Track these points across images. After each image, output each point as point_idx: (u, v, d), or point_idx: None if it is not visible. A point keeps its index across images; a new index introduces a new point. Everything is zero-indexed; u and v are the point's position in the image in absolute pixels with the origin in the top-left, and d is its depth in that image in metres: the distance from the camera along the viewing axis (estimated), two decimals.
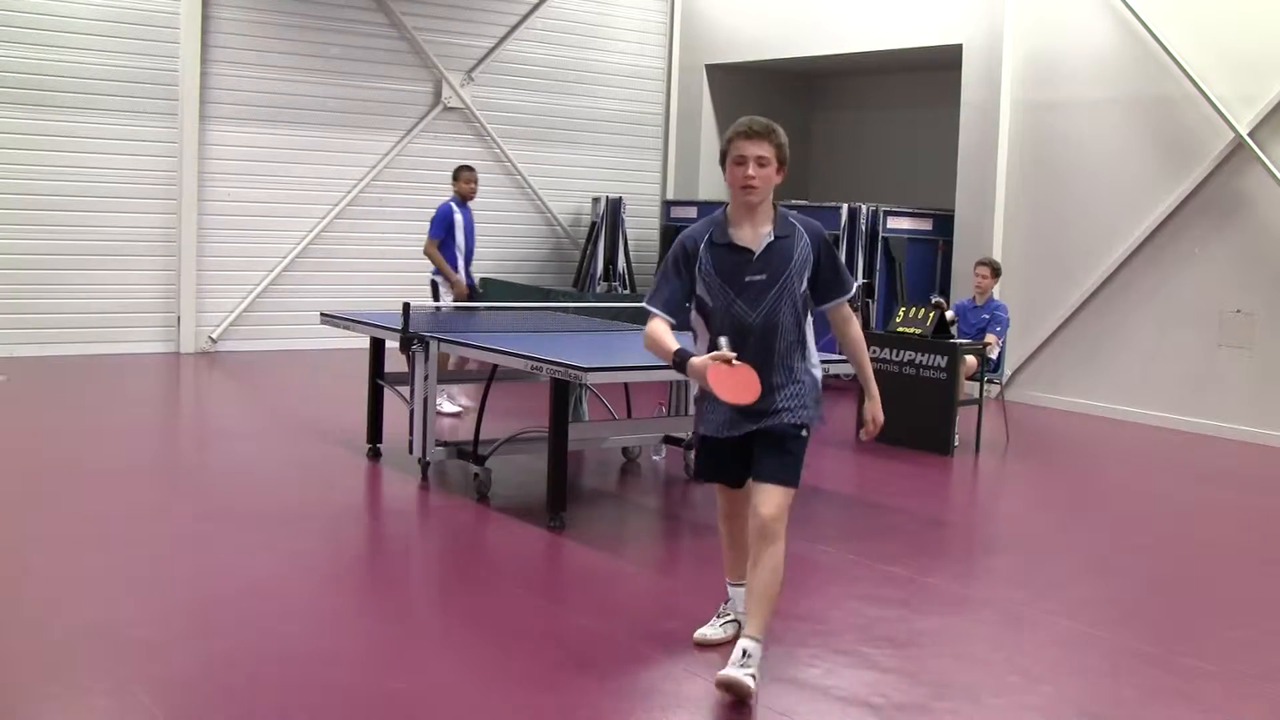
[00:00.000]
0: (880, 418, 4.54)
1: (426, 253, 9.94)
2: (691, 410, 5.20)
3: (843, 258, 12.43)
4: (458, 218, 9.92)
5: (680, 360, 4.12)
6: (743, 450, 4.35)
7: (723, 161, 4.24)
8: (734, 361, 4.01)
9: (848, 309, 4.45)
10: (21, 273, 11.62)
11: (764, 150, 4.14)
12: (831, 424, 9.68)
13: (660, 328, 4.27)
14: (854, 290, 4.41)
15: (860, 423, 4.76)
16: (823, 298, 4.36)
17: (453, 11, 13.86)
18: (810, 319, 4.37)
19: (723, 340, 4.13)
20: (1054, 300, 11.54)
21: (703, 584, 5.45)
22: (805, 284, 4.26)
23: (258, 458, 8.05)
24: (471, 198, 10.08)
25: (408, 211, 13.74)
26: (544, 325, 8.31)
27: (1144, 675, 4.69)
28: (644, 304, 4.37)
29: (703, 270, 4.26)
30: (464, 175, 10.09)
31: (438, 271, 9.91)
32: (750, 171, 4.13)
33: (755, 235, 4.23)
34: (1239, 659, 4.90)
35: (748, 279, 4.21)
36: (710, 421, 4.40)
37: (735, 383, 4.00)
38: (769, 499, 4.21)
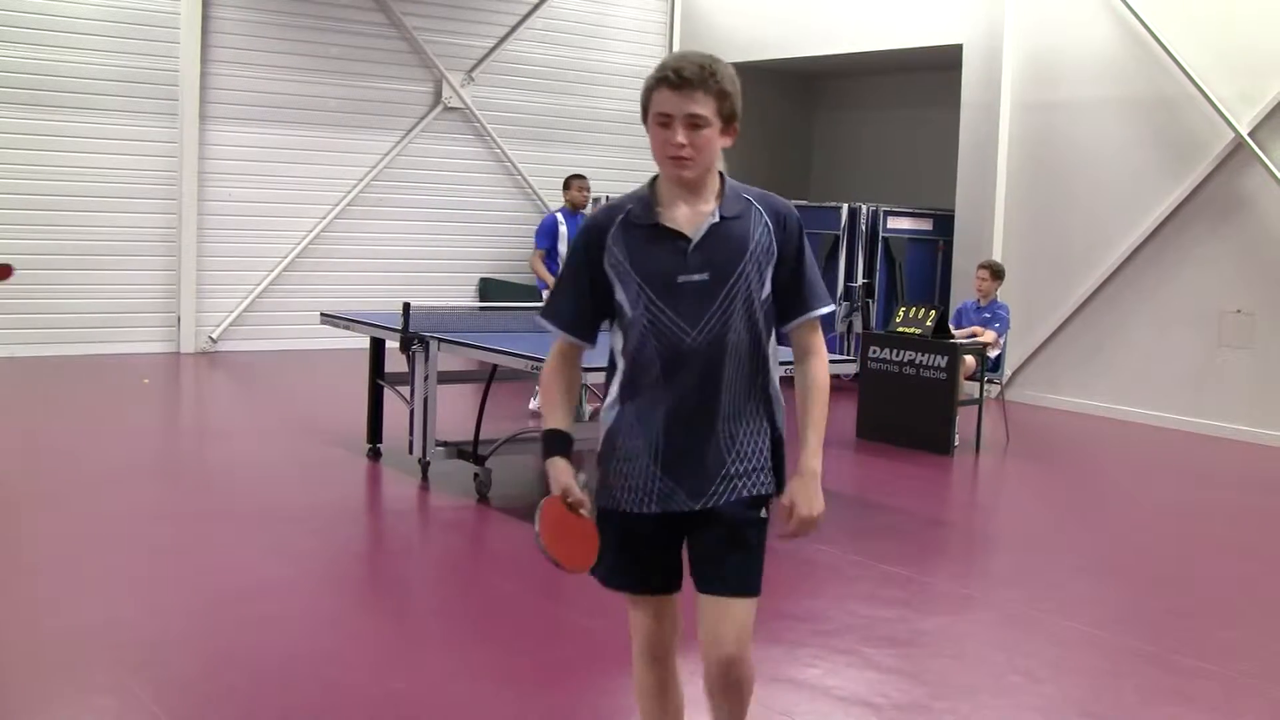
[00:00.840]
0: (810, 513, 2.88)
1: (531, 265, 9.80)
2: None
3: (843, 259, 12.76)
4: (563, 229, 9.59)
5: (545, 448, 2.93)
6: (671, 537, 2.94)
7: (645, 117, 2.86)
8: (583, 512, 2.83)
9: (818, 336, 2.99)
10: (21, 273, 11.51)
11: (698, 105, 2.75)
12: (828, 423, 9.67)
13: (554, 375, 3.01)
14: (829, 307, 2.99)
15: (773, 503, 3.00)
16: (784, 310, 2.95)
17: (453, 11, 13.86)
18: (774, 336, 2.98)
19: (579, 479, 2.87)
20: (1054, 300, 11.54)
21: None
22: (768, 285, 2.90)
23: (258, 458, 8.05)
24: (583, 206, 9.72)
25: (408, 211, 13.77)
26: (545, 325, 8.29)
27: (1144, 675, 4.69)
28: (538, 316, 3.07)
29: (613, 263, 2.88)
30: (575, 184, 9.78)
31: (544, 283, 9.74)
32: (679, 138, 2.76)
33: (693, 216, 2.86)
34: (1239, 659, 4.90)
35: (681, 279, 2.83)
36: (621, 489, 2.93)
37: (569, 537, 2.81)
38: (732, 624, 2.85)
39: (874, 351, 9.45)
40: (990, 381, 9.65)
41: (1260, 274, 10.20)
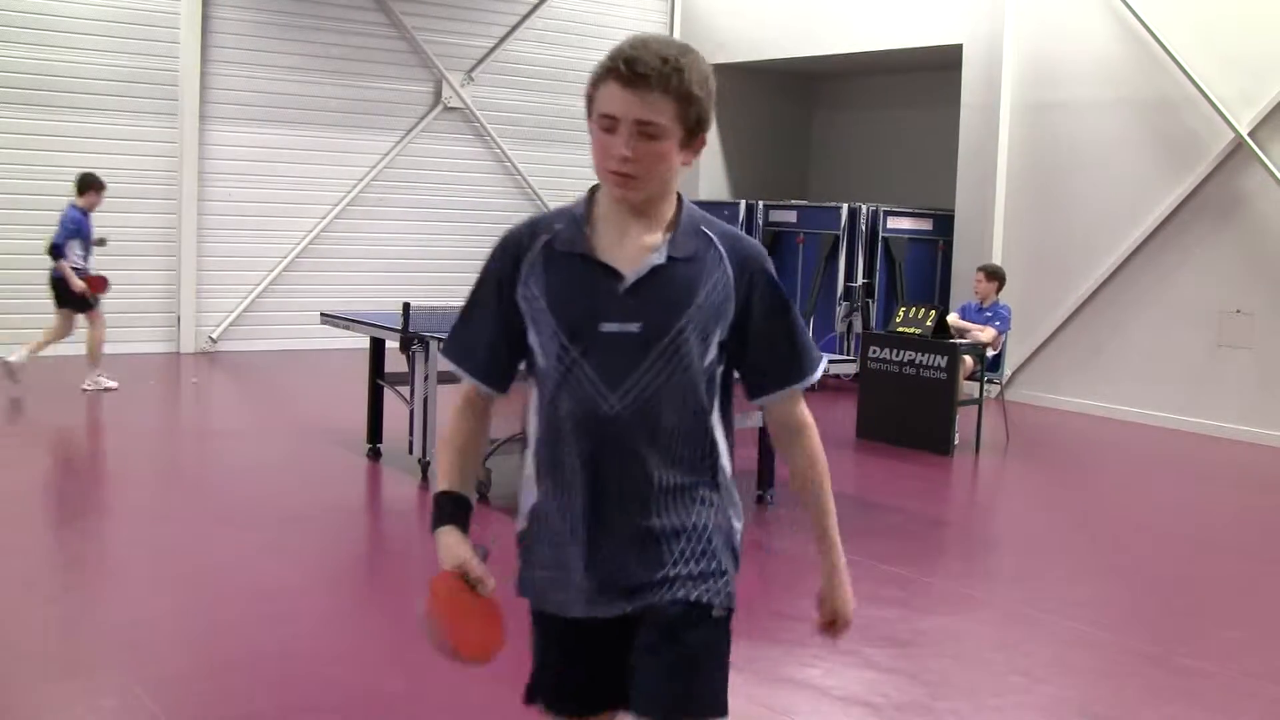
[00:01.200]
0: (848, 614, 2.40)
1: None
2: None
3: (842, 259, 12.78)
4: None
5: (435, 514, 2.31)
6: (611, 643, 2.30)
7: (589, 112, 2.23)
8: (482, 591, 2.26)
9: (802, 408, 2.37)
10: (22, 273, 11.60)
11: (652, 109, 2.14)
12: (827, 422, 9.68)
13: (455, 428, 2.37)
14: (819, 371, 2.36)
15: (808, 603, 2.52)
16: (759, 381, 2.34)
17: (453, 11, 13.86)
18: (720, 408, 2.34)
19: (477, 551, 2.28)
20: (1054, 300, 11.54)
21: None
22: (716, 349, 2.27)
23: (258, 458, 8.05)
24: None
25: (408, 211, 13.77)
26: None
27: (1144, 675, 4.69)
28: (441, 352, 2.46)
29: (527, 296, 2.27)
30: None
31: None
32: (624, 150, 2.15)
33: (634, 249, 2.24)
34: (1239, 659, 4.90)
35: (605, 328, 2.22)
36: (550, 583, 2.33)
37: (467, 619, 2.26)
38: None
39: (874, 351, 9.45)
40: (990, 381, 9.65)
41: (1260, 274, 10.20)
